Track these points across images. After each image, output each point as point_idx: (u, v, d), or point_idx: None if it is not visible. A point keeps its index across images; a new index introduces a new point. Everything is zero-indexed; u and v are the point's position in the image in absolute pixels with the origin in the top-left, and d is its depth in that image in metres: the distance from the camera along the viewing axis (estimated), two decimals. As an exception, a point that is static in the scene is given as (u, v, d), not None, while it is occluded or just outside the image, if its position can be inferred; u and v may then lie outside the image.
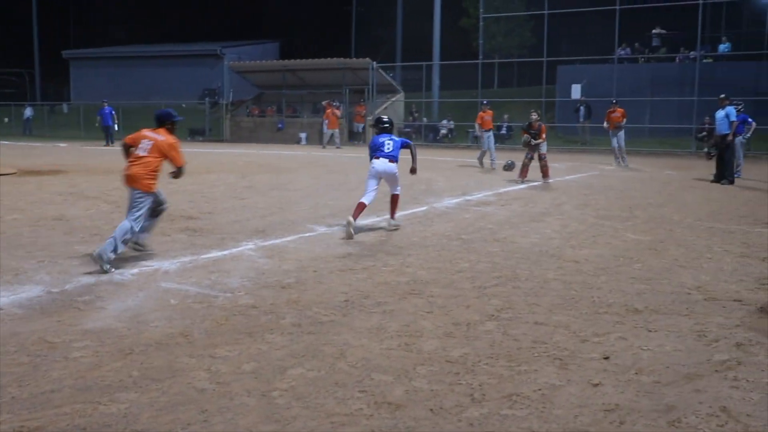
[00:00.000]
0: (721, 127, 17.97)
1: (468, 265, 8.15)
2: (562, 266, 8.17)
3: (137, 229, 7.92)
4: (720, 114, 18.06)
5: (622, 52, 32.43)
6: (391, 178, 10.43)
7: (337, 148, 31.36)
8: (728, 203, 13.82)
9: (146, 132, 8.13)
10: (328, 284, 7.20)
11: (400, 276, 7.60)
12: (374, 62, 34.93)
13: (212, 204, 12.75)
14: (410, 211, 12.21)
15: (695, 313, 6.31)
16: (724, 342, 5.50)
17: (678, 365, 4.99)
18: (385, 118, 10.96)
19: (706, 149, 24.33)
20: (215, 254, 8.57)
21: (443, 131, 35.50)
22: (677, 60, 33.14)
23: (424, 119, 36.02)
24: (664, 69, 32.76)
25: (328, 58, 36.56)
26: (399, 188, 10.67)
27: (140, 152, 7.99)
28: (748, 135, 20.73)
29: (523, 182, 17.11)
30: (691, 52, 31.88)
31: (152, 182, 7.99)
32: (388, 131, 10.64)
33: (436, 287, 7.12)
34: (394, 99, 36.44)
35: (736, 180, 18.11)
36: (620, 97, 29.99)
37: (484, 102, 22.86)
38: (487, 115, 21.82)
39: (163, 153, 8.01)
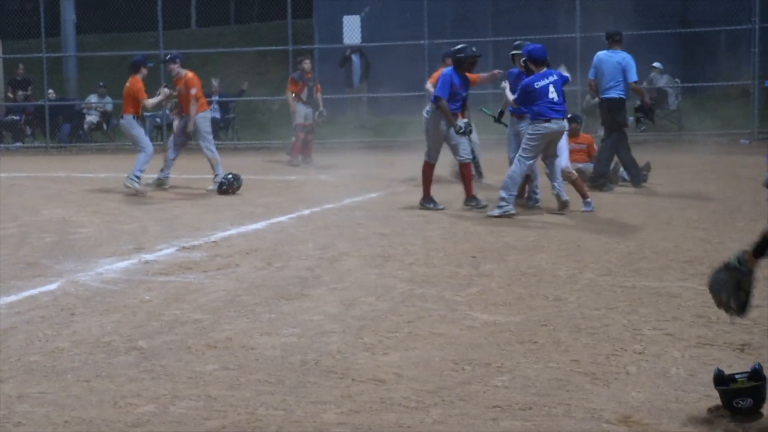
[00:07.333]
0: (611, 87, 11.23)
1: (153, 409, 4.01)
2: (351, 393, 4.12)
3: None
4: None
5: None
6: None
7: None
8: (657, 234, 8.14)
9: None
10: None
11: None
12: None
13: None
14: (22, 294, 6.33)
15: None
16: None
17: None
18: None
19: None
20: None
21: (91, 117, 20.27)
22: None
23: (49, 93, 20.02)
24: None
25: None
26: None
27: None
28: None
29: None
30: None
31: None
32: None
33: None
34: None
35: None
36: (434, 37, 17.41)
37: (169, 57, 12.37)
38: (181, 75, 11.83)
39: None
